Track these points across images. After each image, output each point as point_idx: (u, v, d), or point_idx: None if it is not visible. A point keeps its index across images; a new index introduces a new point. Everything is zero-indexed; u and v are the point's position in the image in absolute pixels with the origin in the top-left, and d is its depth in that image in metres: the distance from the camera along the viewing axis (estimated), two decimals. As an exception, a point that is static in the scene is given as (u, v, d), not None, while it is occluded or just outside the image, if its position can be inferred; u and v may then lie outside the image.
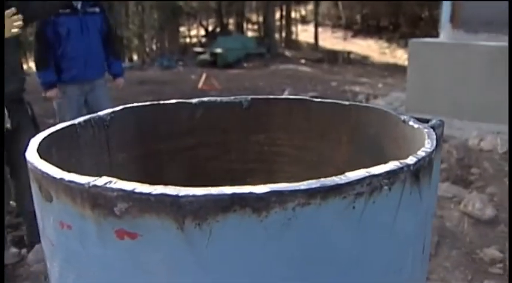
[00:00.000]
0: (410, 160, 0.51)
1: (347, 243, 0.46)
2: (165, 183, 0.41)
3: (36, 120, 3.39)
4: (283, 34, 35.66)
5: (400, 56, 33.16)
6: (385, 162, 0.85)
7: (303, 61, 26.77)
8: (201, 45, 31.52)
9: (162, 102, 0.86)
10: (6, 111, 3.04)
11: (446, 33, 7.13)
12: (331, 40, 37.52)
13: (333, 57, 27.64)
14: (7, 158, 3.11)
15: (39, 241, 2.83)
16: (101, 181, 0.41)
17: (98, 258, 0.42)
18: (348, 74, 17.29)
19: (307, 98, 0.90)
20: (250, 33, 33.67)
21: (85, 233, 0.43)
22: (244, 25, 34.52)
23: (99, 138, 0.74)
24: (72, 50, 3.99)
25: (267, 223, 0.40)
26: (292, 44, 34.88)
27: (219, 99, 0.90)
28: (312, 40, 35.05)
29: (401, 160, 0.51)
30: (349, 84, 11.93)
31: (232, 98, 0.91)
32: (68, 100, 4.09)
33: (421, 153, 0.54)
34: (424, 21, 37.05)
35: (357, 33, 38.82)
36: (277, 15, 34.33)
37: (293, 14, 37.20)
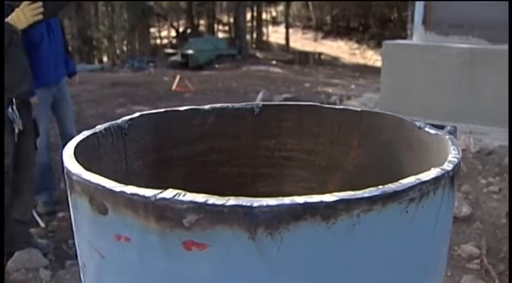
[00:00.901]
0: (448, 166, 0.53)
1: (400, 245, 0.48)
2: (179, 188, 0.43)
3: (37, 125, 3.36)
4: (254, 35, 35.71)
5: (370, 57, 33.54)
6: (400, 168, 0.87)
7: (274, 62, 26.85)
8: (172, 46, 31.37)
9: (175, 109, 0.86)
10: (17, 112, 3.01)
11: (418, 35, 7.25)
12: (301, 41, 37.74)
13: (304, 58, 27.79)
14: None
15: (19, 249, 2.77)
16: (168, 193, 0.41)
17: (160, 269, 0.43)
18: (319, 75, 17.43)
19: (317, 104, 0.91)
20: (221, 35, 33.62)
21: (147, 245, 0.43)
22: (215, 26, 34.44)
23: (118, 145, 0.75)
24: (45, 54, 3.97)
25: (334, 230, 0.42)
26: (263, 45, 34.97)
27: (230, 105, 0.91)
28: (282, 41, 35.20)
29: (442, 167, 0.52)
30: (322, 86, 12.02)
31: (243, 104, 0.91)
32: (43, 104, 4.06)
33: (453, 159, 0.56)
34: (393, 22, 37.56)
35: (327, 35, 39.12)
36: (248, 16, 34.36)
37: (264, 15, 37.27)
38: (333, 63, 29.76)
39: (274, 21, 40.14)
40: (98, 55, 27.42)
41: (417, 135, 0.78)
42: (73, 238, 2.61)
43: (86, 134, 0.69)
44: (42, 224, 3.82)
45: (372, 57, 33.40)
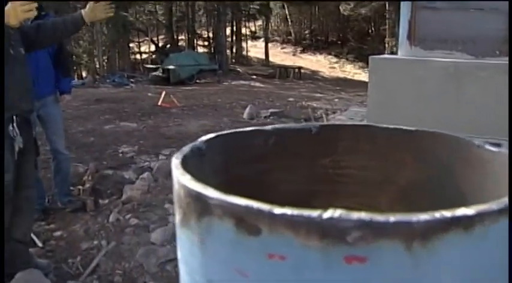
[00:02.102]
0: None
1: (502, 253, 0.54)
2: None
3: (37, 143, 3.35)
4: (234, 50, 35.86)
5: (349, 71, 33.93)
6: (456, 185, 0.92)
7: (254, 76, 27.00)
8: (152, 61, 31.33)
9: (241, 130, 0.90)
10: (17, 130, 3.00)
11: (404, 50, 7.35)
12: (281, 55, 38.00)
13: (284, 72, 27.98)
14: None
15: (18, 270, 2.74)
16: (333, 213, 0.45)
17: (317, 281, 0.47)
18: (301, 89, 17.58)
19: (372, 124, 0.96)
20: (200, 49, 33.69)
21: (305, 262, 0.47)
22: (195, 41, 34.50)
23: (197, 166, 0.78)
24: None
25: (473, 238, 0.48)
26: (243, 59, 35.12)
27: (289, 126, 0.95)
28: (262, 56, 35.39)
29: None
30: (306, 100, 12.13)
31: (302, 124, 0.96)
32: None
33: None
34: (371, 36, 38.10)
35: (306, 49, 39.47)
36: (228, 31, 34.51)
37: (243, 30, 37.48)
38: (313, 77, 30.02)
39: (254, 36, 40.35)
40: (77, 70, 27.22)
41: (476, 153, 0.83)
42: (73, 257, 2.61)
43: (179, 157, 0.72)
44: (39, 244, 3.80)
45: (351, 71, 33.81)
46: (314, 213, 0.45)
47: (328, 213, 0.45)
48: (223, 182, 0.86)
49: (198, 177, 0.65)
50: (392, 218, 0.43)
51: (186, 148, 0.77)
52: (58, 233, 3.99)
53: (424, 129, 0.93)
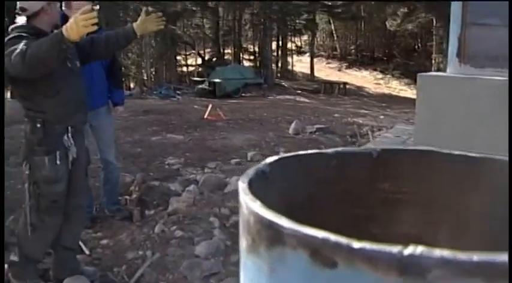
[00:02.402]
0: None
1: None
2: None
3: (89, 153, 3.45)
4: (279, 64, 35.98)
5: (394, 87, 33.59)
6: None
7: (299, 91, 27.03)
8: (198, 74, 31.73)
9: (303, 153, 0.91)
10: (72, 140, 3.10)
11: (453, 67, 7.23)
12: (326, 70, 37.94)
13: (329, 87, 27.93)
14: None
15: (66, 276, 2.80)
16: (414, 250, 0.45)
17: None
18: (347, 105, 17.47)
19: (434, 149, 0.95)
20: (246, 63, 33.94)
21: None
22: (241, 55, 34.79)
23: (262, 189, 0.78)
24: None
25: None
26: (288, 74, 35.22)
27: (350, 149, 0.95)
28: (307, 71, 35.40)
29: None
30: (351, 116, 12.04)
31: (363, 148, 0.96)
32: None
33: None
34: (418, 52, 37.67)
35: (351, 64, 39.30)
36: (274, 45, 34.68)
37: (289, 45, 37.59)
38: (358, 93, 29.86)
39: (299, 51, 40.40)
40: (125, 82, 27.82)
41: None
42: (118, 266, 2.65)
43: (245, 180, 0.73)
44: (86, 251, 3.87)
45: (396, 87, 33.46)
46: (394, 249, 0.45)
47: (409, 250, 0.44)
48: (285, 205, 0.86)
49: (263, 201, 0.65)
50: (475, 257, 0.43)
51: (251, 172, 0.77)
52: (105, 241, 4.06)
53: (488, 156, 0.91)
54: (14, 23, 3.10)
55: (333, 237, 0.49)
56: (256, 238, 0.60)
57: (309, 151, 0.91)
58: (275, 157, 0.84)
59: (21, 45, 2.75)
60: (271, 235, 0.56)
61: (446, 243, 0.91)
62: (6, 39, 2.93)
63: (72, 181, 3.19)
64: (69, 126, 3.11)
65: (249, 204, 0.63)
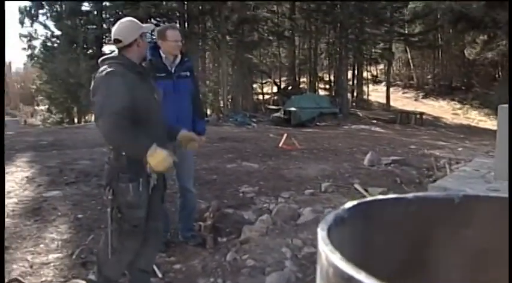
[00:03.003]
0: None
1: None
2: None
3: (165, 179, 3.56)
4: (355, 93, 35.78)
5: (473, 117, 32.53)
6: None
7: (374, 121, 26.71)
8: (274, 102, 32.04)
9: (381, 197, 0.91)
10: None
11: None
12: (402, 100, 37.35)
13: (405, 118, 27.47)
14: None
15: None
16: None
17: None
18: (423, 136, 17.08)
19: (520, 197, 0.92)
20: (321, 92, 33.98)
21: None
22: (316, 84, 34.88)
23: (339, 234, 0.79)
24: (165, 111, 4.19)
25: None
26: (364, 103, 34.94)
27: (432, 194, 0.94)
28: (383, 100, 34.98)
29: None
30: (428, 148, 11.74)
31: (445, 194, 0.95)
32: None
33: None
34: (498, 82, 36.34)
35: (428, 94, 38.50)
36: (349, 74, 34.57)
37: (364, 74, 37.35)
38: (435, 123, 29.16)
39: (375, 80, 40.03)
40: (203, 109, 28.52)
41: None
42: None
43: (324, 228, 0.74)
44: (160, 275, 3.95)
45: (475, 118, 32.38)
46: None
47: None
48: (361, 250, 0.87)
49: (341, 247, 0.66)
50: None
51: (329, 218, 0.78)
52: (177, 266, 4.12)
53: None
54: (102, 51, 3.27)
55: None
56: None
57: (389, 196, 0.91)
58: (354, 202, 0.85)
59: (116, 106, 2.91)
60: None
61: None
62: (104, 71, 3.05)
63: (151, 206, 3.29)
64: None
65: (329, 255, 0.63)
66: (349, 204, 0.86)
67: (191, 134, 3.66)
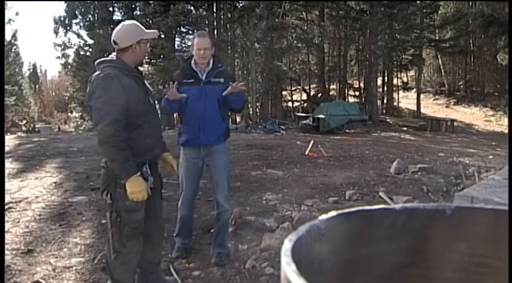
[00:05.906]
0: None
1: None
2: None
3: (161, 178, 3.64)
4: (385, 100, 35.43)
5: (506, 124, 31.79)
6: None
7: (404, 128, 26.40)
8: (303, 109, 31.96)
9: (367, 208, 0.89)
10: (149, 171, 3.31)
11: None
12: (433, 107, 36.83)
13: (436, 125, 27.09)
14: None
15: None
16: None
17: None
18: (453, 144, 16.79)
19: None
20: (351, 99, 33.74)
21: None
22: (346, 91, 34.66)
23: (314, 247, 0.78)
24: (188, 116, 4.17)
25: None
26: (394, 110, 34.57)
27: (421, 205, 0.92)
28: (413, 107, 34.55)
29: None
30: (458, 155, 11.54)
31: (435, 205, 0.92)
32: (185, 161, 4.28)
33: None
34: (533, 87, 35.53)
35: (460, 100, 37.87)
36: (379, 81, 34.25)
37: (394, 81, 36.94)
38: (467, 130, 28.67)
39: (405, 87, 39.52)
40: (231, 116, 28.61)
41: None
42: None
43: (292, 239, 0.72)
44: (179, 281, 3.97)
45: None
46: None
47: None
48: (342, 263, 0.85)
49: (310, 261, 0.64)
50: None
51: (302, 229, 0.76)
52: (196, 272, 4.13)
53: None
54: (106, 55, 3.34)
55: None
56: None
57: (374, 207, 0.89)
58: (333, 213, 0.83)
59: (114, 114, 3.03)
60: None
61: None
62: (99, 74, 3.12)
63: (151, 206, 3.37)
64: (148, 159, 3.29)
65: (285, 268, 0.61)
66: (329, 214, 0.84)
67: (169, 157, 3.68)
